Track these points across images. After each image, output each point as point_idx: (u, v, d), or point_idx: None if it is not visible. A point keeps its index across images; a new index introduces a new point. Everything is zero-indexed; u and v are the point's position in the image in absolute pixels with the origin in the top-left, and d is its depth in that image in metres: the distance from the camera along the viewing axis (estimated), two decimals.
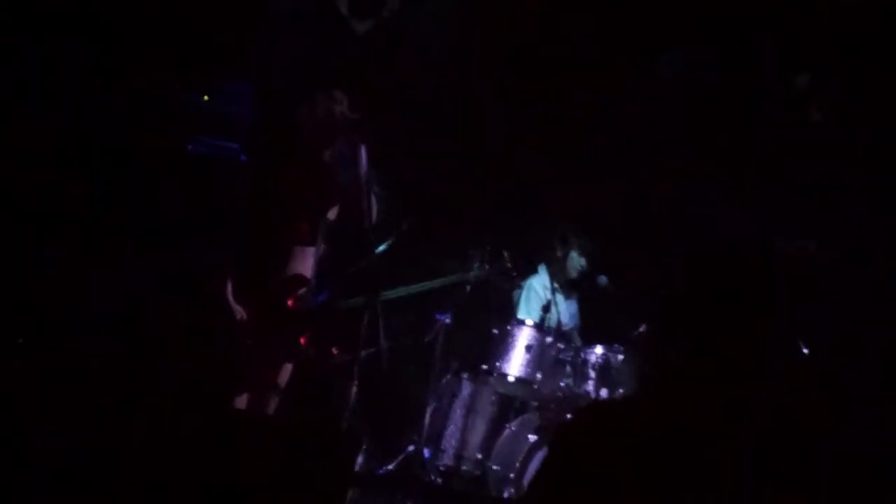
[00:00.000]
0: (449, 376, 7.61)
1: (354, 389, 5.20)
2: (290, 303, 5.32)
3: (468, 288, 7.13)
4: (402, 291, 5.73)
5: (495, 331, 7.40)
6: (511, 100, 8.40)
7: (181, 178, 6.81)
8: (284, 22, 7.67)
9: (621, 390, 7.22)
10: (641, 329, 7.30)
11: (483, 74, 8.27)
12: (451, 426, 7.44)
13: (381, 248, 6.71)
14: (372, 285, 5.13)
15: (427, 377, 7.31)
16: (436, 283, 5.98)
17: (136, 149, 6.72)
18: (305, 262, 5.42)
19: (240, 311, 5.25)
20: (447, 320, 7.27)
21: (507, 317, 7.63)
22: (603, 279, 7.88)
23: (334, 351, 5.36)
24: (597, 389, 7.27)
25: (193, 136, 6.97)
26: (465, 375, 7.55)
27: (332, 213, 5.50)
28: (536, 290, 7.95)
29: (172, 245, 6.59)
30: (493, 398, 7.50)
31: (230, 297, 5.25)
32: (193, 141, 6.96)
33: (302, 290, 5.38)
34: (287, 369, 5.46)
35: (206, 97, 7.06)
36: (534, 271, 8.06)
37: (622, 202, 8.55)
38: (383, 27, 8.02)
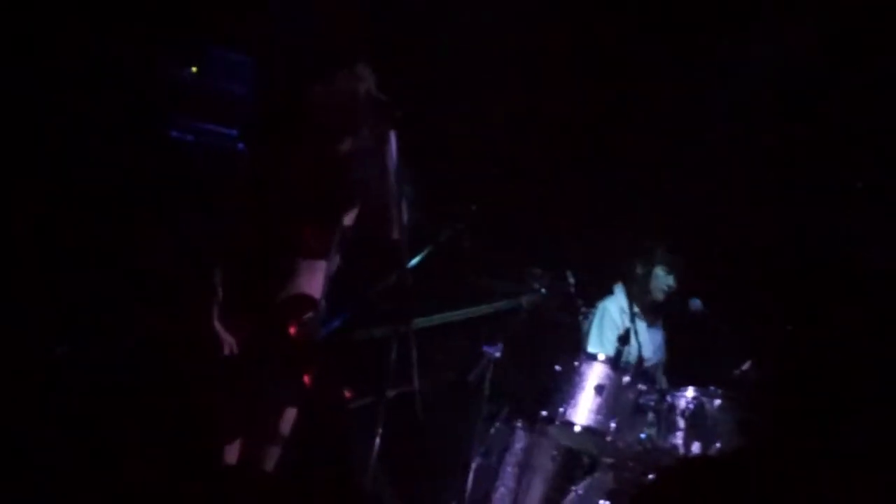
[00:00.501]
0: (499, 424, 7.58)
1: (377, 441, 5.14)
2: (292, 330, 5.26)
3: (523, 313, 7.10)
4: (439, 319, 5.62)
5: (558, 367, 7.36)
6: (583, 81, 8.55)
7: (160, 171, 6.80)
8: None
9: (718, 444, 7.19)
10: (745, 367, 7.48)
11: (549, 55, 8.43)
12: (502, 488, 7.41)
13: (413, 262, 6.70)
14: (402, 310, 5.05)
15: (471, 425, 7.29)
16: (480, 309, 5.88)
17: (102, 133, 6.72)
18: (314, 280, 5.37)
19: (229, 341, 5.20)
20: (497, 354, 7.22)
21: (574, 350, 7.60)
22: (696, 303, 7.86)
23: (348, 394, 5.26)
24: (687, 443, 7.25)
25: (177, 118, 6.96)
26: (518, 424, 7.52)
27: (350, 218, 5.43)
28: (612, 316, 7.94)
29: (145, 255, 6.62)
30: (555, 453, 7.47)
31: (217, 324, 5.21)
32: (177, 125, 6.95)
33: (308, 315, 5.33)
34: (289, 415, 5.39)
35: (194, 69, 7.04)
36: (608, 292, 8.05)
37: (721, 206, 8.58)
38: None
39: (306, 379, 5.25)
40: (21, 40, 6.85)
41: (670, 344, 8.29)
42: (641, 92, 8.64)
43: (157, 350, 5.35)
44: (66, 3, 6.97)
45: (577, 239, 8.32)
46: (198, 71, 7.03)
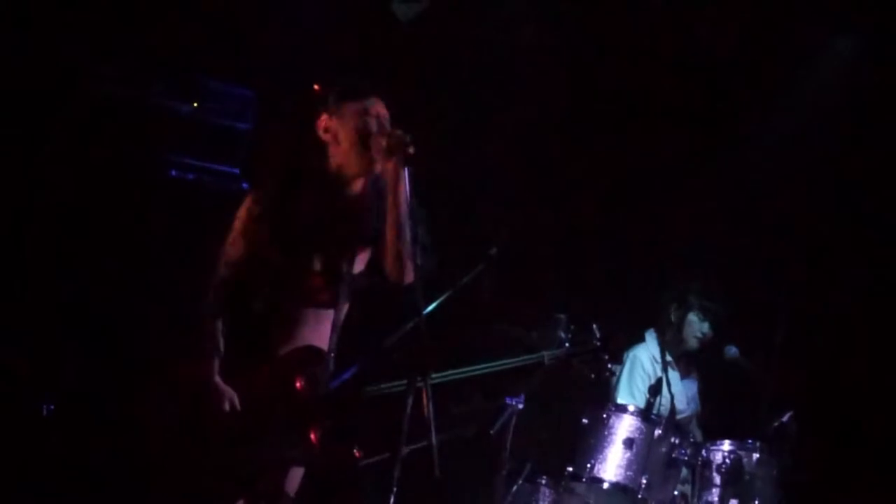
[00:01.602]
0: (522, 481, 7.41)
1: (392, 500, 4.94)
2: (298, 385, 5.10)
3: (546, 362, 6.94)
4: (456, 375, 5.43)
5: (585, 420, 7.34)
6: (610, 114, 8.67)
7: (158, 213, 6.82)
8: (301, 7, 7.73)
9: (757, 502, 7.15)
10: (785, 419, 7.40)
11: (575, 95, 8.56)
12: None
13: (430, 309, 6.54)
14: (417, 361, 4.83)
15: (493, 483, 7.10)
16: (499, 365, 5.70)
17: (98, 172, 6.74)
18: (321, 330, 5.23)
19: (229, 395, 5.07)
20: (520, 405, 7.03)
21: (602, 400, 7.55)
22: (733, 350, 7.83)
23: (357, 452, 5.11)
24: (723, 500, 7.21)
25: (177, 156, 6.96)
26: (543, 480, 7.37)
27: (360, 264, 5.30)
28: (643, 365, 7.94)
29: (142, 302, 6.67)
30: None
31: (216, 378, 5.08)
32: (177, 163, 6.94)
33: (315, 368, 5.17)
34: (295, 475, 5.22)
35: (194, 104, 7.02)
36: (639, 340, 8.04)
37: (757, 247, 8.65)
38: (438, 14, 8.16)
39: (313, 436, 5.07)
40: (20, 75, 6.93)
41: (705, 394, 8.26)
42: (672, 131, 8.69)
43: (153, 403, 5.24)
44: (62, 35, 7.02)
45: (606, 283, 8.33)
46: (197, 106, 6.97)
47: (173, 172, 6.86)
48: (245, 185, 6.77)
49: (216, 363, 5.10)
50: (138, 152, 6.81)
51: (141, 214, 6.73)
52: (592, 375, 5.55)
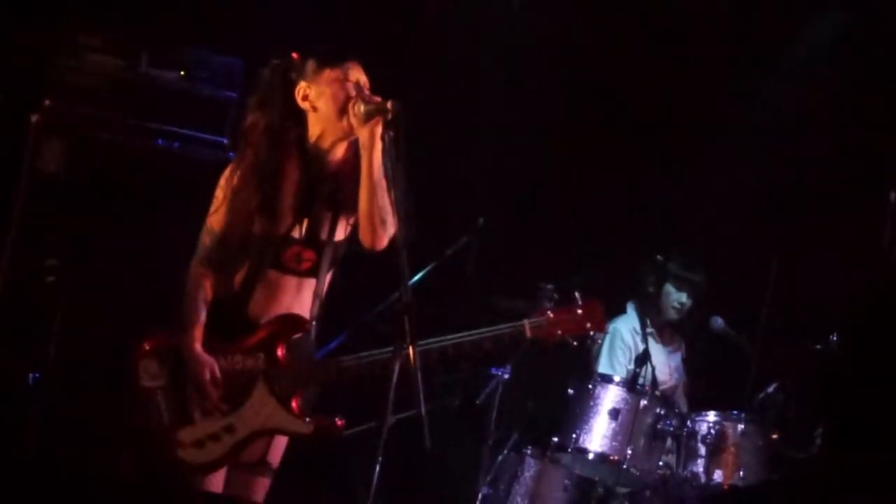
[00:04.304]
0: (507, 451, 7.52)
1: (377, 470, 4.96)
2: (279, 353, 5.10)
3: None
4: (436, 344, 5.41)
5: (570, 390, 7.38)
6: (594, 92, 8.66)
7: (144, 182, 6.78)
8: None
9: (742, 473, 7.19)
10: (771, 389, 7.45)
11: (560, 66, 8.58)
12: None
13: (416, 279, 6.58)
14: (404, 330, 4.85)
15: (478, 453, 7.24)
16: (480, 333, 5.67)
17: (84, 142, 6.71)
18: (302, 298, 5.23)
19: (210, 364, 5.05)
20: (505, 376, 7.18)
21: (587, 372, 7.59)
22: (718, 321, 7.87)
23: (339, 421, 5.12)
24: (708, 471, 7.24)
25: (164, 125, 6.90)
26: (528, 451, 7.46)
27: (343, 230, 5.27)
28: (623, 337, 7.98)
29: (127, 270, 6.64)
30: (567, 482, 7.39)
31: (197, 347, 5.07)
32: (163, 132, 6.89)
33: (297, 336, 5.17)
34: (279, 443, 5.27)
35: (181, 73, 6.98)
36: (620, 311, 8.07)
37: (741, 218, 8.66)
38: None
39: (294, 405, 5.08)
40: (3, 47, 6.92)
41: (690, 365, 8.28)
42: (655, 104, 8.68)
43: (134, 374, 5.22)
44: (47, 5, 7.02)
45: (587, 254, 8.31)
46: (184, 75, 6.94)
47: (160, 141, 6.82)
48: (231, 155, 6.72)
49: (198, 332, 5.08)
50: (124, 121, 6.80)
51: (126, 183, 6.70)
52: (574, 343, 5.51)
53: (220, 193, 5.19)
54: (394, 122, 4.79)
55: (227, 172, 5.22)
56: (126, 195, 6.69)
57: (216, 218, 5.16)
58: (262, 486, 5.27)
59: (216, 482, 5.15)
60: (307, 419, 5.05)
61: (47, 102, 6.67)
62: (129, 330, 6.44)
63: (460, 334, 5.21)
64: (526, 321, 5.29)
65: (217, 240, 5.15)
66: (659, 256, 7.97)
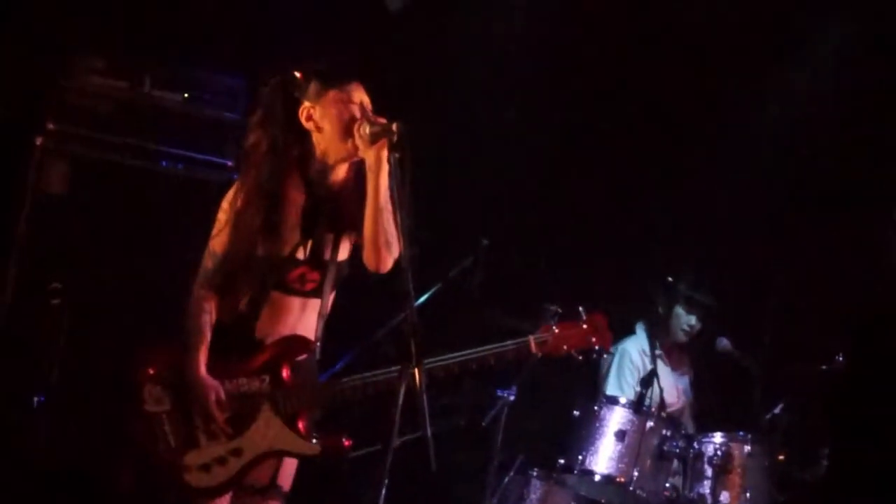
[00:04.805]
0: (513, 473, 7.51)
1: (383, 493, 4.94)
2: (285, 374, 5.11)
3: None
4: (450, 360, 5.40)
5: (576, 412, 7.38)
6: (601, 113, 8.63)
7: (148, 204, 6.79)
8: None
9: (748, 494, 7.18)
10: (777, 410, 7.49)
11: (567, 85, 8.55)
12: None
13: (421, 300, 6.58)
14: (409, 351, 4.84)
15: (484, 474, 7.16)
16: (485, 351, 5.65)
17: (89, 164, 6.73)
18: (306, 319, 5.23)
19: (215, 388, 5.04)
20: (511, 397, 7.13)
21: (593, 393, 7.64)
22: (723, 342, 7.84)
23: (346, 441, 5.11)
24: (715, 493, 7.22)
25: (168, 148, 6.91)
26: (534, 472, 7.44)
27: (345, 250, 5.28)
28: (632, 358, 7.96)
29: (131, 292, 6.65)
30: None
31: (202, 371, 5.06)
32: (167, 154, 6.90)
33: (301, 357, 5.17)
34: (289, 466, 5.25)
35: (185, 95, 6.99)
36: (629, 332, 8.05)
37: (749, 240, 8.65)
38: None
39: (301, 425, 5.07)
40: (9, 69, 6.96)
41: (696, 386, 8.28)
42: (660, 123, 8.70)
43: (138, 398, 5.22)
44: (52, 27, 7.04)
45: (595, 274, 8.30)
46: (188, 97, 6.94)
47: (163, 163, 6.83)
48: (235, 177, 6.72)
49: (202, 356, 5.07)
50: (127, 143, 6.81)
51: (130, 205, 6.72)
52: (580, 358, 5.48)
53: (222, 216, 5.18)
54: (399, 143, 4.74)
55: (229, 194, 5.22)
56: (130, 217, 6.71)
57: (219, 240, 5.15)
58: None
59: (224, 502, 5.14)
60: (314, 440, 5.05)
61: (51, 125, 6.69)
62: (132, 352, 6.50)
63: (466, 352, 5.22)
64: (531, 336, 5.30)
65: (220, 262, 5.15)
66: (669, 278, 8.00)
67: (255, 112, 5.25)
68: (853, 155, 8.44)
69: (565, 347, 5.33)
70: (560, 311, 6.49)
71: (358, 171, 5.11)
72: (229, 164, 6.86)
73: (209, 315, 5.15)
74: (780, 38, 8.62)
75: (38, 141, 6.64)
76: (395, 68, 7.79)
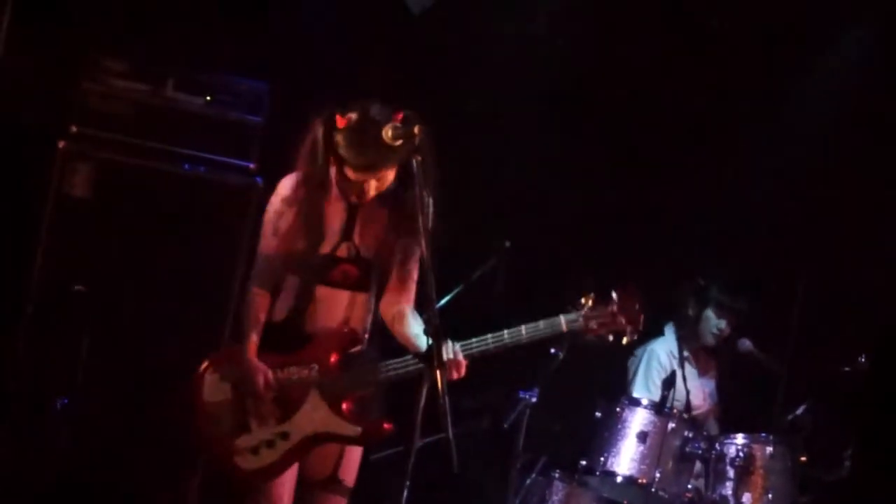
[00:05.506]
0: (535, 475, 7.50)
1: (405, 494, 4.97)
2: (332, 362, 5.29)
3: (560, 357, 6.94)
4: (484, 344, 5.42)
5: (599, 413, 7.38)
6: (626, 111, 8.61)
7: (173, 207, 6.80)
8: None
9: (770, 496, 7.16)
10: (800, 411, 7.45)
11: (589, 87, 8.53)
12: None
13: (443, 302, 6.61)
14: (431, 352, 4.86)
15: (506, 476, 7.16)
16: (525, 329, 5.62)
17: (111, 167, 6.74)
18: (355, 311, 5.40)
19: (263, 370, 5.24)
20: (533, 399, 7.12)
21: (616, 394, 7.58)
22: (745, 343, 7.86)
23: (386, 425, 5.28)
24: (737, 494, 7.20)
25: (190, 151, 6.91)
26: (556, 474, 7.43)
27: (387, 249, 5.41)
28: (660, 359, 7.95)
29: (155, 295, 6.70)
30: None
31: (251, 355, 5.26)
32: (190, 157, 6.90)
33: (352, 349, 5.36)
34: (352, 460, 5.47)
35: (207, 98, 6.98)
36: (658, 333, 8.04)
37: (766, 229, 8.63)
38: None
39: (344, 408, 5.26)
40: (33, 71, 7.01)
41: (719, 387, 8.26)
42: (684, 122, 8.67)
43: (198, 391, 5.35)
44: (78, 30, 7.09)
45: (622, 276, 8.26)
46: (210, 100, 6.95)
47: (186, 166, 6.82)
48: (258, 179, 6.77)
49: (252, 344, 5.26)
50: (150, 146, 6.82)
51: (153, 208, 6.74)
52: (610, 338, 5.46)
53: (267, 218, 5.37)
54: (421, 146, 4.81)
55: (276, 194, 5.38)
56: (153, 220, 6.72)
57: (265, 242, 5.36)
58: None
59: (283, 494, 5.34)
60: (357, 424, 5.23)
61: (74, 128, 6.70)
62: (156, 354, 6.54)
63: (499, 333, 5.26)
64: (562, 316, 5.34)
65: (266, 262, 5.36)
66: (701, 280, 7.98)
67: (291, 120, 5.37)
68: (884, 151, 8.39)
69: (594, 327, 5.35)
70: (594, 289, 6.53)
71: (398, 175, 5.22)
72: (251, 166, 6.87)
73: (261, 310, 5.33)
74: (809, 38, 8.60)
75: (61, 144, 6.64)
76: (418, 69, 7.82)
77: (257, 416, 5.25)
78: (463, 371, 5.11)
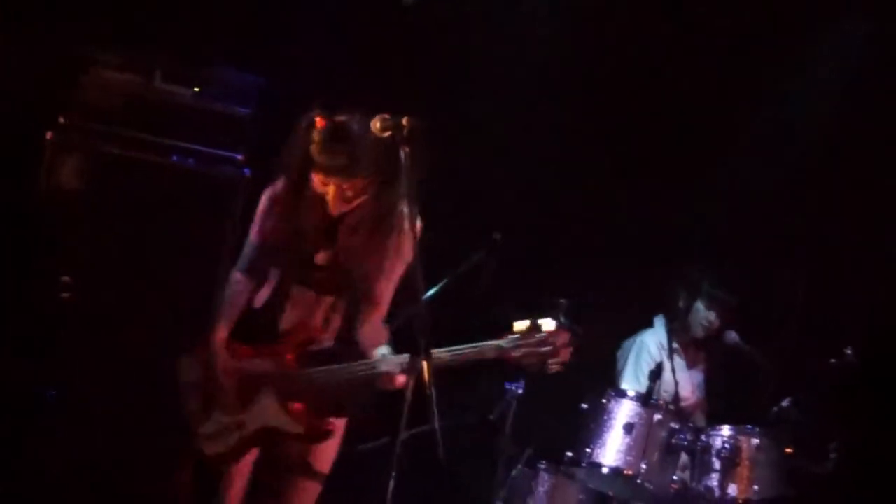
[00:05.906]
0: (521, 466, 7.53)
1: (391, 485, 4.97)
2: (289, 360, 5.35)
3: None
4: (458, 353, 5.37)
5: (585, 405, 7.40)
6: (616, 104, 8.62)
7: (162, 199, 6.76)
8: None
9: (756, 487, 7.18)
10: (785, 403, 7.46)
11: (579, 78, 8.55)
12: None
13: (431, 294, 6.59)
14: (418, 345, 4.87)
15: (492, 468, 7.23)
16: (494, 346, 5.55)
17: (100, 159, 6.71)
18: (327, 316, 5.44)
19: (223, 356, 5.35)
20: (519, 390, 7.17)
21: (603, 385, 7.55)
22: (731, 335, 7.86)
23: (328, 426, 5.36)
24: (723, 485, 7.21)
25: (179, 142, 6.86)
26: (542, 465, 7.47)
27: (368, 255, 5.36)
28: (649, 350, 7.97)
29: (142, 287, 6.67)
30: (581, 496, 7.45)
31: (218, 339, 5.37)
32: (178, 148, 6.85)
33: (312, 348, 5.39)
34: (325, 448, 5.49)
35: (196, 89, 6.95)
36: (648, 325, 8.10)
37: (752, 224, 8.64)
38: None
39: (293, 408, 5.32)
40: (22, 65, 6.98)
41: (705, 379, 8.27)
42: (676, 114, 8.68)
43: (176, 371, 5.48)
44: (63, 22, 7.06)
45: (612, 268, 8.28)
46: (199, 91, 6.94)
47: (174, 158, 6.79)
48: (246, 171, 6.75)
49: (223, 327, 5.36)
50: (138, 137, 6.78)
51: (141, 200, 6.69)
52: (531, 370, 5.39)
53: (260, 207, 5.44)
54: (409, 138, 4.81)
55: (268, 190, 5.44)
56: (141, 211, 6.68)
57: (254, 230, 5.45)
58: (309, 490, 5.54)
59: (237, 476, 5.46)
60: (300, 422, 5.30)
61: (62, 119, 6.68)
62: (144, 345, 6.54)
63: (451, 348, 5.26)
64: (492, 342, 5.25)
65: (252, 250, 5.45)
66: (693, 272, 8.01)
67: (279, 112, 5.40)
68: (870, 148, 8.44)
69: (516, 356, 5.23)
70: (569, 306, 6.54)
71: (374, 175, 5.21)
72: (240, 158, 6.84)
73: (239, 296, 5.43)
74: (804, 33, 8.61)
75: (49, 135, 6.64)
76: (408, 63, 7.81)
77: (219, 401, 5.33)
78: (400, 384, 5.06)
